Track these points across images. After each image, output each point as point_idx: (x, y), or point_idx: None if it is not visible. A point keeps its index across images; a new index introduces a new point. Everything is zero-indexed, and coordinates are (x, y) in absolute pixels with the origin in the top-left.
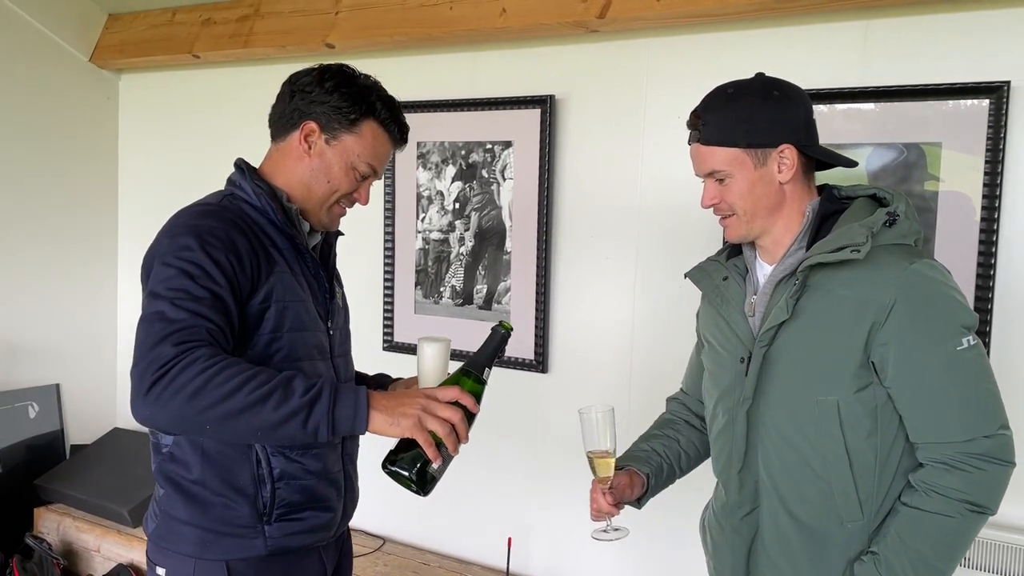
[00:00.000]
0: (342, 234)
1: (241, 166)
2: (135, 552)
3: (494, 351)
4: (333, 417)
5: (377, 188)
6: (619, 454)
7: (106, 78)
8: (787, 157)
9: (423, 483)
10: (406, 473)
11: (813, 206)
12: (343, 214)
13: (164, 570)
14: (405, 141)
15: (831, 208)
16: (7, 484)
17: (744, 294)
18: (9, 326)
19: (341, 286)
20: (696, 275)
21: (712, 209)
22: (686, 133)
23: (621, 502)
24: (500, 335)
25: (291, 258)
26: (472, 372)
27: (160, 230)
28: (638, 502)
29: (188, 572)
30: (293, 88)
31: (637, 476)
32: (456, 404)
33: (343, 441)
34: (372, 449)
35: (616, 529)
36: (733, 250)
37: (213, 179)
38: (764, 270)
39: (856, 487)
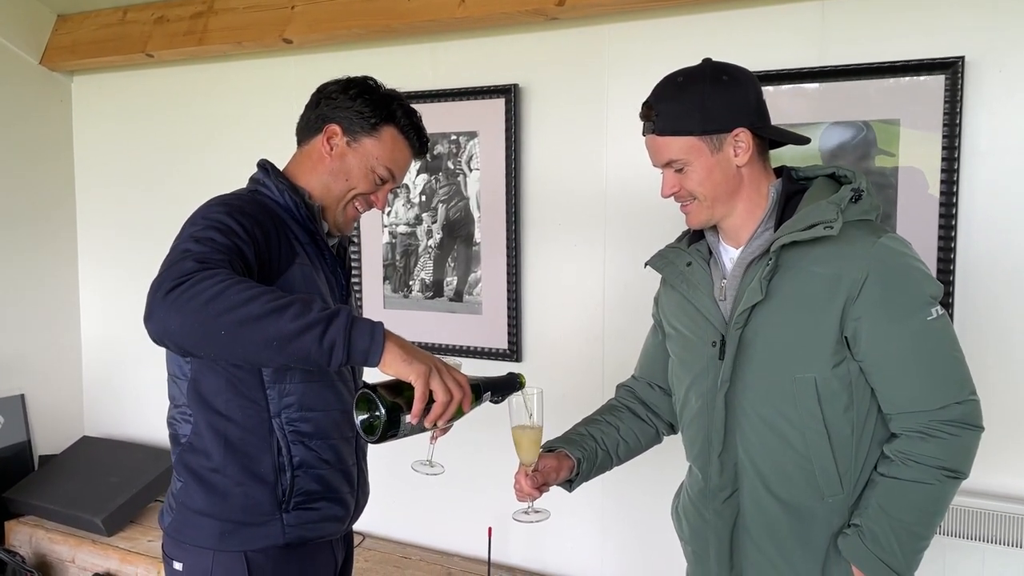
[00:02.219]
0: (354, 241)
1: (265, 166)
2: (111, 561)
3: (500, 386)
4: (350, 338)
5: None
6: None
7: (58, 80)
8: (742, 140)
9: (387, 427)
10: (381, 408)
11: (776, 187)
12: (357, 216)
13: (181, 564)
14: (424, 151)
15: (792, 188)
16: None
17: (711, 278)
18: None
19: (352, 288)
20: (657, 263)
21: (672, 197)
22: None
23: (546, 484)
24: (512, 378)
25: (312, 253)
26: (478, 386)
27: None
28: (569, 484)
29: (207, 565)
30: (320, 96)
31: (567, 459)
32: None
33: (357, 434)
34: (375, 451)
35: (536, 511)
36: (693, 236)
37: (172, 180)
38: (730, 253)
39: (836, 462)
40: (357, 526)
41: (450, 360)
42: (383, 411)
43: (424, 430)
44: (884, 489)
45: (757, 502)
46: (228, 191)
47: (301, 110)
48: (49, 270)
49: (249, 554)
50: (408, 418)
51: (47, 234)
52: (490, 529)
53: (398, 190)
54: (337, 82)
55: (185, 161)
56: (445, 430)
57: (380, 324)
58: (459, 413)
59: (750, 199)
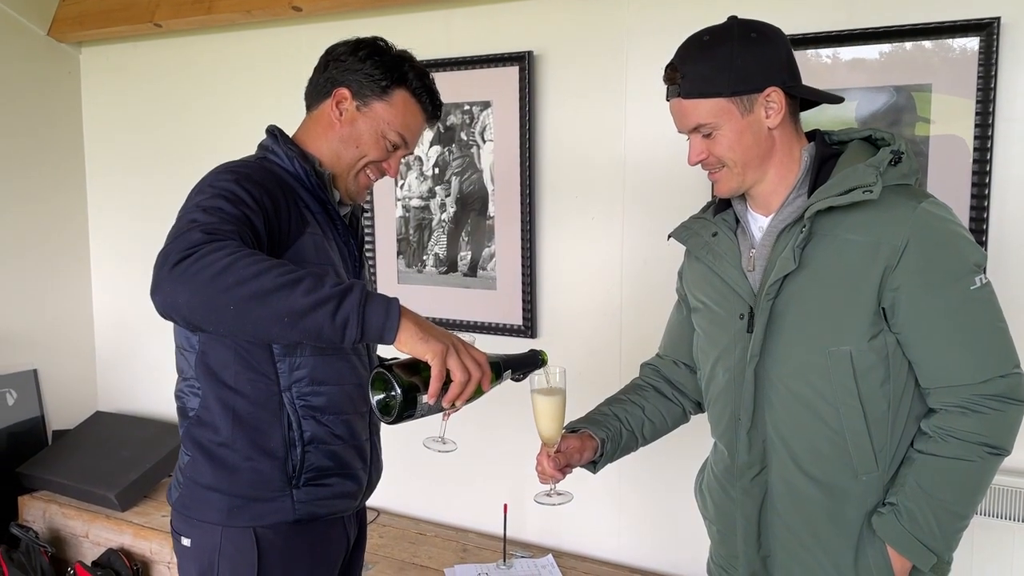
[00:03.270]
0: (366, 210)
1: (274, 132)
2: (124, 536)
3: (520, 363)
4: (364, 314)
5: None
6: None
7: (66, 52)
8: (774, 101)
9: (404, 407)
10: (397, 388)
11: (810, 151)
12: (370, 185)
13: (189, 540)
14: (438, 115)
15: (826, 152)
16: None
17: (738, 249)
18: None
19: (365, 261)
20: (681, 234)
21: (700, 165)
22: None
23: (569, 466)
24: (534, 355)
25: (323, 222)
26: (497, 364)
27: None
28: (593, 466)
29: (215, 541)
30: (328, 58)
31: (591, 440)
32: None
33: (370, 409)
34: (390, 427)
35: (560, 494)
36: (719, 205)
37: (182, 153)
38: (759, 222)
39: (871, 438)
40: (371, 502)
41: (465, 336)
42: (399, 391)
43: (442, 410)
44: (922, 466)
45: (787, 480)
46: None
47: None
48: (60, 244)
49: (258, 530)
50: (425, 398)
51: (58, 209)
52: (505, 506)
53: (411, 161)
54: (346, 43)
55: (195, 132)
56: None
57: (395, 300)
58: (478, 393)
59: (782, 164)
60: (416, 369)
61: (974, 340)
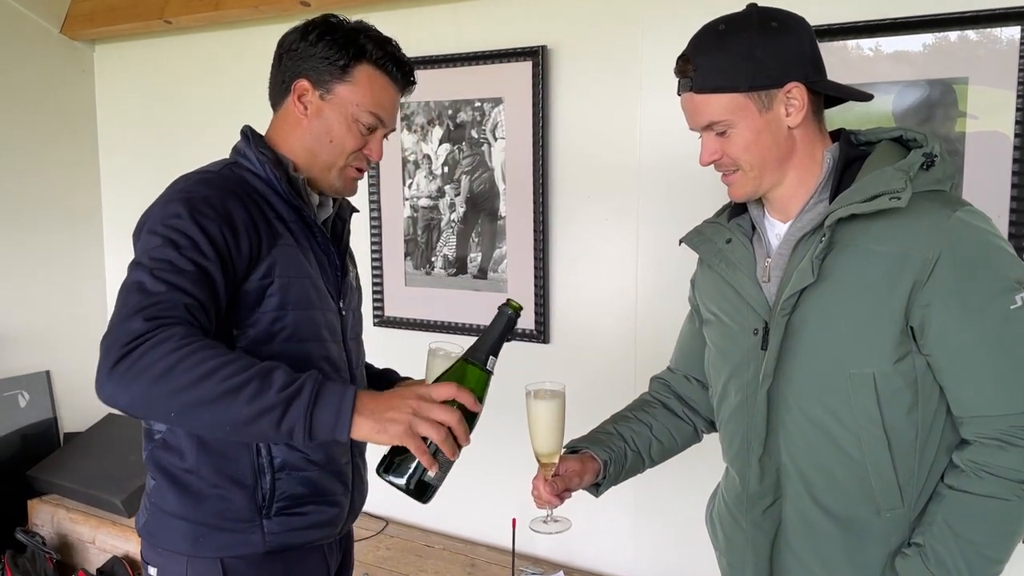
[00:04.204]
0: (357, 211)
1: (247, 133)
2: (130, 544)
3: (501, 335)
4: (311, 420)
5: None
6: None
7: (79, 49)
8: (795, 97)
9: (421, 493)
10: (402, 483)
11: (832, 153)
12: (359, 176)
13: (156, 570)
14: (410, 82)
15: (852, 154)
16: None
17: (754, 257)
18: None
19: (355, 266)
20: (693, 240)
21: (713, 166)
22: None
23: (568, 490)
24: (508, 316)
25: (298, 231)
26: (475, 362)
27: (157, 198)
28: (595, 489)
29: (180, 571)
30: (281, 50)
31: (592, 462)
32: (454, 403)
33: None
34: None
35: (556, 520)
36: (735, 209)
37: (195, 150)
38: (777, 229)
39: (896, 470)
40: (380, 510)
41: (445, 345)
42: (406, 486)
43: (455, 459)
44: (952, 504)
45: (802, 513)
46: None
47: None
48: (74, 245)
49: (226, 560)
50: (430, 473)
51: (72, 208)
52: (514, 520)
53: (419, 159)
54: (295, 29)
55: (208, 129)
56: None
57: (349, 394)
58: (472, 418)
59: (802, 166)
60: (404, 450)
61: (1013, 365)
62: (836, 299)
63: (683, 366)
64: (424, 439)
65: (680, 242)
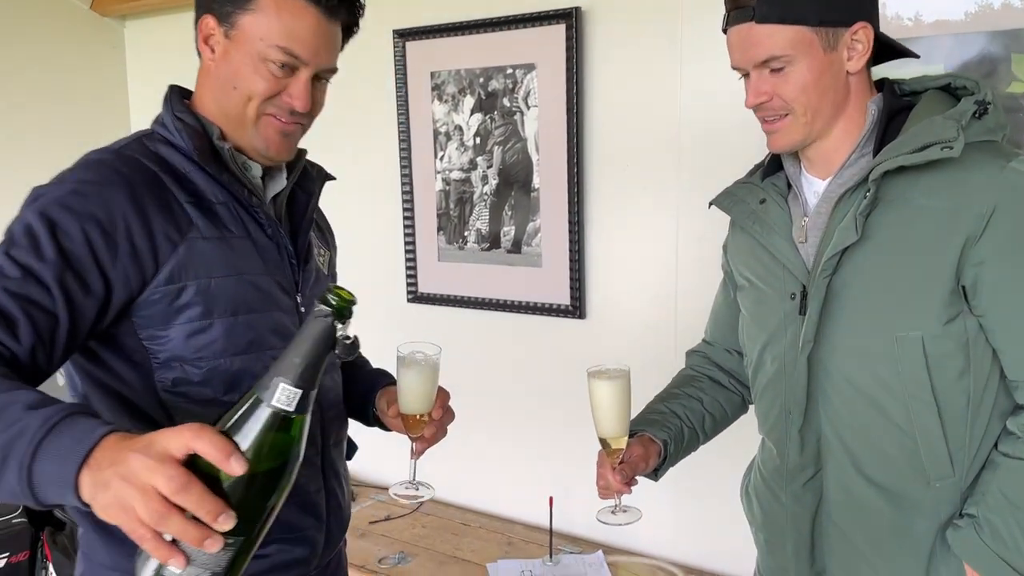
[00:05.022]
0: (332, 178)
1: (168, 97)
2: None
3: (316, 352)
4: (31, 475)
5: (390, 126)
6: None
7: (110, 26)
8: (861, 40)
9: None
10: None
11: (877, 103)
12: (286, 131)
13: None
14: (338, 6)
15: (896, 105)
16: None
17: (790, 218)
18: None
19: (329, 247)
20: (724, 201)
21: (757, 109)
22: None
23: (633, 476)
24: (324, 324)
25: (229, 215)
26: (256, 394)
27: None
28: (655, 473)
29: None
30: None
31: (653, 444)
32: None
33: (323, 447)
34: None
35: (625, 510)
36: (769, 168)
37: None
38: (815, 187)
39: (946, 439)
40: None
41: (417, 355)
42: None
43: (213, 549)
44: (1008, 472)
45: (845, 486)
46: None
47: (352, 46)
48: None
49: None
50: (174, 570)
51: None
52: (551, 499)
53: (451, 130)
54: None
55: None
56: (423, 441)
57: (90, 438)
58: (254, 478)
59: (850, 117)
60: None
61: None
62: (881, 258)
63: (721, 338)
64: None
65: (710, 204)
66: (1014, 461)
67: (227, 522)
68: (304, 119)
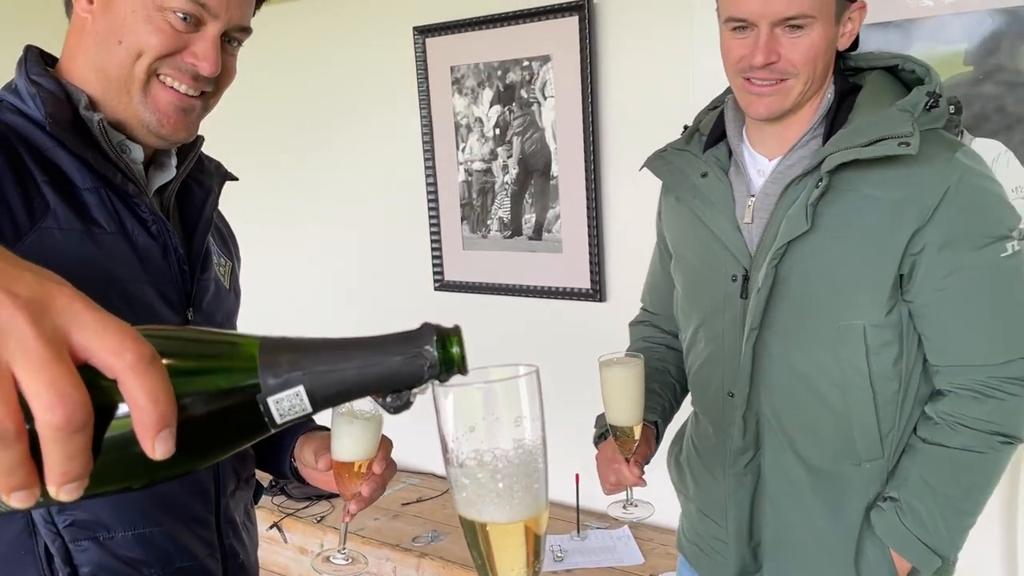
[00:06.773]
0: (234, 178)
1: (22, 59)
2: None
3: (371, 384)
4: None
5: (413, 120)
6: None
7: None
8: (855, 19)
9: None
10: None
11: (833, 84)
12: (186, 105)
13: None
14: None
15: (844, 87)
16: None
17: (732, 195)
18: None
19: (232, 257)
20: (657, 166)
21: (753, 69)
22: None
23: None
24: (415, 366)
25: (102, 205)
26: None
27: None
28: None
29: None
30: None
31: (648, 428)
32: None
33: (218, 501)
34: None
35: (636, 504)
36: (710, 139)
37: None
38: (760, 165)
39: (878, 421)
40: (443, 470)
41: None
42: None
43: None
44: (927, 458)
45: (781, 467)
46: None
47: (373, 41)
48: None
49: None
50: None
51: None
52: (577, 476)
53: (471, 123)
54: None
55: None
56: (359, 499)
57: None
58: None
59: (819, 96)
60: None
61: (998, 314)
62: (829, 248)
63: (663, 309)
64: None
65: (640, 168)
66: (933, 447)
67: (74, 492)
68: (209, 88)
